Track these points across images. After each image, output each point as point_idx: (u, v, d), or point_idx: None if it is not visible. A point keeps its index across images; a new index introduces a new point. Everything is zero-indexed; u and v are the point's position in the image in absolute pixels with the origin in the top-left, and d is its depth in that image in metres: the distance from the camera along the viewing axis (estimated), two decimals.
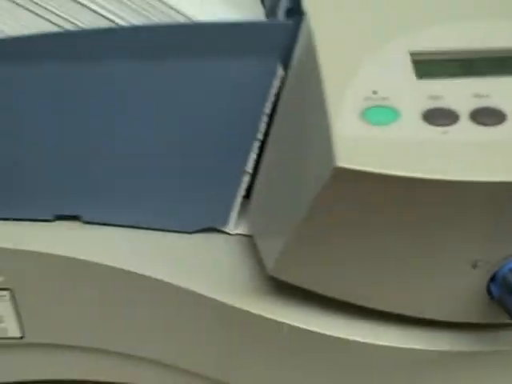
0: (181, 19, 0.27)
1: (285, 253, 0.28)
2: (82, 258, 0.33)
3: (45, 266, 0.33)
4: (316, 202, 0.25)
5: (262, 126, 0.30)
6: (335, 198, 0.25)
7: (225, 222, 0.33)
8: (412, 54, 0.25)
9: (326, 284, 0.29)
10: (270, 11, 0.31)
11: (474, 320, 0.30)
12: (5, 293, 0.34)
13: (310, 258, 0.28)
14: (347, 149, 0.23)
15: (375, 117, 0.24)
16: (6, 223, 0.33)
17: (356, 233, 0.26)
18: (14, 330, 0.36)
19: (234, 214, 0.33)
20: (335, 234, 0.27)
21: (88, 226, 0.34)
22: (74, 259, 0.33)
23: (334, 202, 0.25)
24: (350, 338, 0.31)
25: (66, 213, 0.33)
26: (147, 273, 0.32)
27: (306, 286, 0.30)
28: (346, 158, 0.23)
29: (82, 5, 0.27)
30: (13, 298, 0.35)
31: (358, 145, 0.23)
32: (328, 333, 0.31)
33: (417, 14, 0.26)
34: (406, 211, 0.25)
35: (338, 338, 0.31)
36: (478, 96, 0.24)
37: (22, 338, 0.36)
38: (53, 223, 0.34)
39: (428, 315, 0.30)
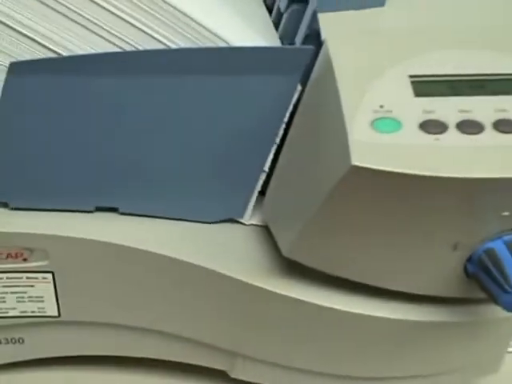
0: (221, 43, 0.33)
1: (300, 237, 0.34)
2: (118, 243, 0.38)
3: (84, 251, 0.38)
4: (332, 195, 0.31)
5: (280, 132, 0.36)
6: (348, 192, 0.30)
7: (241, 214, 0.39)
8: (411, 77, 0.31)
9: (332, 263, 0.35)
10: (285, 35, 0.37)
11: (453, 294, 0.36)
12: (48, 275, 0.39)
13: (321, 243, 0.34)
14: (360, 151, 0.29)
15: (382, 126, 0.30)
16: (54, 214, 0.38)
17: (361, 220, 0.32)
18: (52, 309, 0.41)
19: (250, 207, 0.39)
20: (345, 222, 0.32)
21: (123, 216, 0.39)
22: (110, 244, 0.38)
23: (347, 195, 0.31)
24: (349, 310, 0.37)
25: (105, 205, 0.38)
26: (174, 255, 0.38)
27: (314, 265, 0.35)
28: (360, 159, 0.29)
29: (138, 28, 0.33)
30: (54, 280, 0.40)
31: (369, 148, 0.29)
32: (329, 305, 0.37)
33: (415, 43, 0.32)
34: (404, 202, 0.31)
35: (339, 310, 0.37)
36: (462, 111, 0.30)
37: (58, 316, 0.41)
38: (93, 214, 0.39)
39: (415, 290, 0.36)
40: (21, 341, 0.43)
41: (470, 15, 0.34)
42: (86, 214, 0.38)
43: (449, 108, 0.31)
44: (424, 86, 0.31)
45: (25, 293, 0.40)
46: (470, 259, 0.34)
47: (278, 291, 0.37)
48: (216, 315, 0.39)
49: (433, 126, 0.30)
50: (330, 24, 0.33)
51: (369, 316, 0.37)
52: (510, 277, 0.33)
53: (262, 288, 0.37)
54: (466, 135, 0.30)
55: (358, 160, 0.29)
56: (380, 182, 0.30)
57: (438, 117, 0.30)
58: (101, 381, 0.46)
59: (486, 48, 0.32)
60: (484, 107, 0.31)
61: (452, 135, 0.30)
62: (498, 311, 0.38)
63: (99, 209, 0.38)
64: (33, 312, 0.41)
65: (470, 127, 0.30)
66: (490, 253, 0.33)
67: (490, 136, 0.30)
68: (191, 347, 0.42)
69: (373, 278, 0.36)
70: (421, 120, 0.30)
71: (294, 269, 0.37)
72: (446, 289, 0.36)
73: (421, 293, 0.36)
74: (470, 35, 0.33)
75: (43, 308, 0.41)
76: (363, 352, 0.39)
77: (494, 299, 0.34)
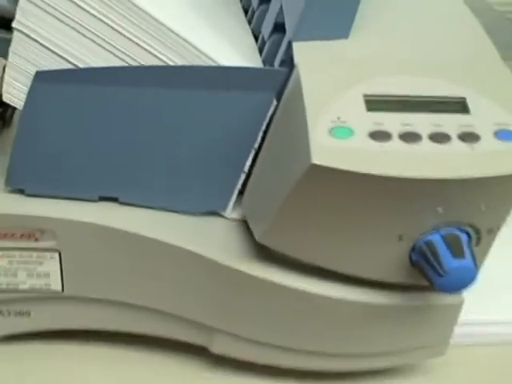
0: (210, 62, 0.40)
1: (270, 225, 0.41)
2: (116, 227, 0.44)
3: (87, 233, 0.44)
4: (296, 189, 0.38)
5: (258, 139, 0.43)
6: (309, 186, 0.37)
7: (224, 208, 0.46)
8: (364, 96, 0.38)
9: (296, 249, 0.42)
10: (267, 59, 0.44)
11: (402, 280, 0.43)
12: (54, 254, 0.46)
13: (287, 230, 0.41)
14: (319, 153, 0.36)
15: (338, 133, 0.37)
16: (63, 201, 0.44)
17: (321, 212, 0.39)
18: (56, 285, 0.47)
19: (231, 203, 0.45)
20: (307, 213, 0.39)
21: (122, 205, 0.45)
22: (110, 228, 0.44)
23: (308, 189, 0.38)
24: (313, 291, 0.43)
25: (107, 195, 0.45)
26: (163, 239, 0.43)
27: (282, 250, 0.42)
28: (319, 158, 0.36)
29: (142, 48, 0.40)
30: (60, 258, 0.46)
31: (326, 151, 0.36)
32: (294, 286, 0.43)
33: (370, 69, 0.39)
34: (355, 197, 0.38)
35: (304, 292, 0.43)
36: (405, 124, 0.37)
37: (62, 291, 0.47)
38: (97, 202, 0.45)
39: (369, 276, 0.42)
40: (27, 314, 0.49)
41: (417, 47, 0.41)
42: (90, 202, 0.45)
43: (394, 121, 0.37)
44: (375, 103, 0.38)
45: (34, 269, 0.46)
46: (413, 249, 0.41)
47: (250, 273, 0.43)
48: (197, 293, 0.45)
49: (380, 136, 0.37)
50: (302, 51, 0.40)
51: (329, 297, 0.43)
52: (443, 264, 0.39)
53: (236, 269, 0.43)
54: (406, 144, 0.37)
55: (317, 159, 0.36)
56: (335, 179, 0.36)
57: (385, 128, 0.37)
58: (93, 355, 0.51)
59: (427, 75, 0.39)
60: (423, 122, 0.38)
61: (395, 143, 0.37)
62: (442, 298, 0.45)
63: (102, 198, 0.45)
64: (40, 287, 0.47)
65: (410, 138, 0.37)
66: (429, 244, 0.40)
67: (426, 145, 0.37)
68: (176, 323, 0.48)
69: (332, 263, 0.42)
70: (370, 130, 0.37)
71: (266, 254, 0.43)
72: (396, 275, 0.43)
73: (374, 278, 0.43)
74: (415, 64, 0.40)
75: (49, 283, 0.47)
76: (325, 330, 0.45)
77: (431, 283, 0.40)
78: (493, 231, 0.41)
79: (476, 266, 0.40)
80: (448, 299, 0.45)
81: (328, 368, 0.49)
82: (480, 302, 0.53)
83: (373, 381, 0.50)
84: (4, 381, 0.49)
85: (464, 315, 0.49)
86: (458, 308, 0.46)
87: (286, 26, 0.41)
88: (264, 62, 0.44)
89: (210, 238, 0.45)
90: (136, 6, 0.39)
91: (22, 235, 0.44)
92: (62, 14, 0.39)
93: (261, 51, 0.45)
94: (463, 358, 0.53)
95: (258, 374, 0.50)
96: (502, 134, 0.38)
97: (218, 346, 0.49)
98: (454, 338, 0.49)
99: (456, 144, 0.37)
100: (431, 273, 0.40)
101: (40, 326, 0.50)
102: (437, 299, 0.45)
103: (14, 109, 0.51)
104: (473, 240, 0.41)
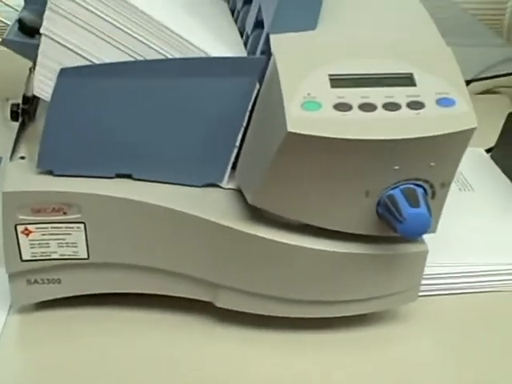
0: (202, 54, 0.48)
1: (259, 188, 0.49)
2: (131, 198, 0.52)
3: (107, 205, 0.52)
4: (277, 154, 0.46)
5: (246, 117, 0.51)
6: (288, 151, 0.46)
7: (221, 179, 0.54)
8: (330, 75, 0.47)
9: (282, 207, 0.50)
10: (251, 51, 0.52)
11: (371, 232, 0.51)
12: (80, 225, 0.54)
13: (273, 191, 0.49)
14: (294, 122, 0.44)
15: (309, 107, 0.45)
16: (85, 179, 0.52)
17: (300, 173, 0.47)
18: (82, 253, 0.55)
19: (226, 174, 0.54)
20: (288, 174, 0.47)
21: (136, 181, 0.53)
22: (126, 199, 0.52)
23: (287, 154, 0.46)
24: (296, 244, 0.51)
25: (123, 172, 0.53)
26: (170, 206, 0.51)
27: (270, 209, 0.50)
28: (293, 127, 0.44)
29: (146, 45, 0.48)
30: (85, 229, 0.54)
31: (300, 121, 0.45)
32: (281, 240, 0.51)
33: (334, 54, 0.47)
34: (325, 159, 0.46)
35: (288, 244, 0.51)
36: (363, 97, 0.46)
37: (87, 258, 0.56)
38: (114, 179, 0.53)
39: (345, 229, 0.51)
40: (58, 281, 0.57)
41: (372, 34, 0.50)
42: (108, 179, 0.53)
43: (354, 95, 0.46)
44: (338, 81, 0.46)
45: (63, 240, 0.54)
46: (378, 203, 0.49)
47: (245, 231, 0.52)
48: (203, 253, 0.53)
49: (342, 107, 0.45)
50: (278, 42, 0.48)
51: (311, 248, 0.51)
52: (402, 212, 0.47)
53: (234, 229, 0.52)
54: (364, 112, 0.45)
55: (292, 128, 0.44)
56: (308, 144, 0.45)
57: (346, 101, 0.46)
58: (107, 317, 0.58)
59: (380, 57, 0.48)
60: (377, 95, 0.46)
61: (355, 113, 0.45)
62: (408, 247, 0.53)
63: (118, 175, 0.53)
64: (69, 255, 0.55)
65: (367, 107, 0.45)
66: (391, 197, 0.48)
67: (380, 113, 0.45)
68: (186, 283, 0.55)
69: (312, 219, 0.50)
70: (335, 102, 0.45)
71: (257, 215, 0.52)
72: (367, 227, 0.51)
73: (348, 231, 0.51)
74: (370, 48, 0.48)
75: (77, 252, 0.55)
76: (308, 280, 0.53)
77: (394, 230, 0.48)
78: (445, 185, 0.49)
79: (430, 214, 0.48)
80: (413, 248, 0.53)
81: (315, 315, 0.57)
82: (444, 256, 0.61)
83: (354, 329, 0.58)
84: (39, 344, 0.56)
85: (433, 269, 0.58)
86: (423, 256, 0.54)
87: (264, 22, 0.50)
88: (248, 53, 0.52)
89: (211, 205, 0.53)
90: (140, 10, 0.48)
91: (52, 209, 0.53)
92: (81, 20, 0.48)
93: (246, 45, 0.53)
94: (433, 307, 0.61)
95: (259, 326, 0.58)
96: (442, 102, 0.46)
97: (222, 301, 0.57)
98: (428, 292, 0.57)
99: (405, 111, 0.45)
100: (393, 221, 0.48)
101: (70, 292, 0.58)
102: (404, 248, 0.53)
103: (37, 105, 0.60)
104: (428, 193, 0.49)
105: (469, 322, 0.60)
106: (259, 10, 0.51)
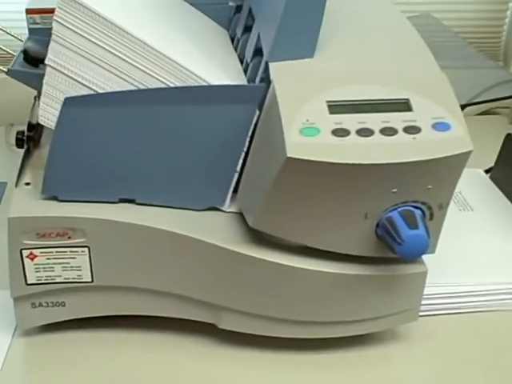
0: (203, 83, 0.50)
1: (260, 211, 0.50)
2: (134, 223, 0.53)
3: (112, 229, 0.53)
4: (277, 179, 0.47)
5: (246, 143, 0.52)
6: (287, 176, 0.47)
7: (222, 203, 0.55)
8: (327, 102, 0.48)
9: (282, 230, 0.51)
10: (251, 78, 0.54)
11: (371, 254, 0.52)
12: (85, 249, 0.55)
13: (274, 214, 0.50)
14: (293, 148, 0.45)
15: (307, 132, 0.46)
16: (90, 204, 0.54)
17: (299, 197, 0.48)
18: (86, 276, 0.56)
19: (228, 198, 0.55)
20: (288, 198, 0.48)
21: (138, 206, 0.54)
22: (129, 224, 0.53)
23: (286, 178, 0.47)
24: (296, 265, 0.52)
25: (126, 197, 0.54)
26: (173, 230, 0.53)
27: (271, 232, 0.51)
28: (292, 152, 0.45)
29: (148, 74, 0.50)
30: (89, 253, 0.55)
31: (298, 146, 0.46)
32: (281, 262, 0.52)
33: (331, 81, 0.49)
34: (323, 182, 0.47)
35: (288, 266, 0.52)
36: (360, 123, 0.47)
37: (91, 281, 0.56)
38: (117, 204, 0.54)
39: (343, 250, 0.52)
40: (62, 304, 0.58)
41: (367, 61, 0.51)
42: (112, 204, 0.54)
43: (351, 121, 0.47)
44: (335, 108, 0.47)
45: (68, 263, 0.55)
46: (377, 225, 0.50)
47: (246, 253, 0.52)
48: (205, 275, 0.54)
49: (340, 132, 0.46)
50: (276, 70, 0.50)
51: (310, 270, 0.52)
52: (400, 234, 0.48)
53: (235, 251, 0.53)
54: (362, 137, 0.46)
55: (291, 153, 0.45)
56: (307, 169, 0.46)
57: (344, 126, 0.47)
58: (110, 338, 0.59)
59: (376, 83, 0.49)
60: (374, 120, 0.47)
61: (353, 138, 0.46)
62: (407, 267, 0.54)
63: (122, 200, 0.54)
64: (73, 278, 0.56)
65: (364, 133, 0.47)
66: (389, 220, 0.49)
67: (377, 138, 0.46)
68: (189, 305, 0.56)
69: (312, 241, 0.51)
70: (333, 128, 0.47)
71: (258, 238, 0.53)
72: (366, 249, 0.52)
73: (348, 253, 0.52)
74: (367, 75, 0.50)
75: (81, 275, 0.56)
76: (310, 300, 0.54)
77: (394, 251, 0.49)
78: (443, 207, 0.50)
79: (429, 235, 0.49)
80: (412, 268, 0.54)
81: (316, 335, 0.57)
82: (444, 277, 0.62)
83: (354, 349, 0.59)
84: (43, 367, 0.57)
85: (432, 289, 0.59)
86: (422, 277, 0.55)
87: (263, 51, 0.51)
88: (248, 81, 0.54)
89: (213, 228, 0.54)
90: (141, 40, 0.49)
91: (57, 234, 0.54)
92: (84, 51, 0.49)
93: (245, 72, 0.55)
94: (433, 327, 0.61)
95: (260, 347, 0.58)
96: (438, 126, 0.47)
97: (225, 322, 0.57)
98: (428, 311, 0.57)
99: (401, 136, 0.47)
100: (392, 242, 0.49)
101: (74, 315, 0.58)
102: (403, 269, 0.54)
103: (41, 132, 0.62)
104: (427, 215, 0.50)
105: (469, 341, 0.61)
106: (258, 38, 0.52)
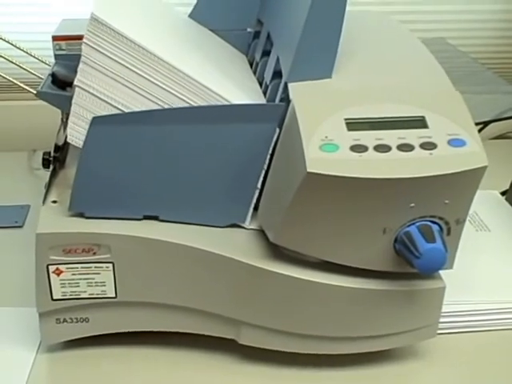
0: (225, 102, 0.52)
1: (280, 227, 0.51)
2: (158, 239, 0.54)
3: (136, 245, 0.55)
4: (297, 194, 0.48)
5: (267, 161, 0.54)
6: (307, 190, 0.48)
7: (243, 220, 0.57)
8: (345, 119, 0.49)
9: (303, 245, 0.52)
10: (270, 98, 0.56)
11: (389, 269, 0.53)
12: (109, 265, 0.56)
13: (294, 229, 0.51)
14: (313, 163, 0.47)
15: (326, 149, 0.48)
16: (115, 221, 0.55)
17: (320, 212, 0.50)
18: (110, 292, 0.57)
19: (249, 215, 0.56)
20: (309, 213, 0.50)
21: (162, 222, 0.56)
22: (153, 240, 0.54)
23: (306, 193, 0.48)
24: (317, 280, 0.53)
25: (150, 214, 0.56)
26: (196, 246, 0.54)
27: (291, 247, 0.52)
28: (312, 167, 0.47)
29: (174, 95, 0.52)
30: (113, 268, 0.57)
31: (318, 162, 0.47)
32: (302, 277, 0.53)
33: (349, 99, 0.50)
34: (343, 197, 0.48)
35: (309, 281, 0.53)
36: (377, 139, 0.48)
37: (115, 297, 0.58)
38: (141, 221, 0.56)
39: (362, 265, 0.53)
40: (86, 320, 0.59)
41: (384, 80, 0.53)
42: (136, 221, 0.56)
43: (369, 138, 0.49)
44: (353, 125, 0.49)
45: (93, 279, 0.57)
46: (396, 240, 0.51)
47: (267, 268, 0.54)
48: (227, 291, 0.55)
49: (358, 148, 0.48)
50: (296, 90, 0.52)
51: (330, 284, 0.53)
52: (418, 248, 0.49)
53: (256, 266, 0.54)
54: (379, 153, 0.48)
55: (311, 168, 0.47)
56: (326, 184, 0.47)
57: (362, 143, 0.48)
58: (139, 356, 0.60)
59: (393, 101, 0.51)
60: (391, 137, 0.49)
61: (370, 154, 0.48)
62: (425, 283, 0.55)
63: (146, 217, 0.56)
64: (97, 294, 0.57)
65: (382, 149, 0.48)
66: (407, 234, 0.50)
67: (394, 154, 0.48)
68: (210, 320, 0.57)
69: (332, 256, 0.52)
70: (351, 144, 0.48)
71: (279, 253, 0.54)
72: (385, 264, 0.53)
73: (367, 268, 0.53)
74: (385, 93, 0.51)
75: (105, 291, 0.57)
76: (329, 315, 0.55)
77: (412, 265, 0.50)
78: (459, 222, 0.51)
79: (446, 249, 0.50)
80: (431, 284, 0.55)
81: (336, 351, 0.58)
82: (465, 295, 0.63)
83: (373, 366, 0.59)
84: (67, 382, 0.58)
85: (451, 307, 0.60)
86: (440, 292, 0.56)
87: (283, 72, 0.53)
88: (268, 101, 0.56)
89: (234, 244, 0.55)
90: (166, 62, 0.51)
91: (82, 250, 0.55)
92: (112, 72, 0.51)
93: (265, 94, 0.57)
94: (451, 345, 0.61)
95: (278, 363, 0.59)
96: (454, 142, 0.48)
97: (245, 338, 0.58)
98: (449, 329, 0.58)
99: (418, 151, 0.48)
100: (410, 256, 0.50)
101: (97, 331, 0.59)
102: (421, 284, 0.55)
103: (66, 154, 0.64)
104: (444, 230, 0.51)
105: (487, 359, 0.61)
106: (277, 61, 0.54)
